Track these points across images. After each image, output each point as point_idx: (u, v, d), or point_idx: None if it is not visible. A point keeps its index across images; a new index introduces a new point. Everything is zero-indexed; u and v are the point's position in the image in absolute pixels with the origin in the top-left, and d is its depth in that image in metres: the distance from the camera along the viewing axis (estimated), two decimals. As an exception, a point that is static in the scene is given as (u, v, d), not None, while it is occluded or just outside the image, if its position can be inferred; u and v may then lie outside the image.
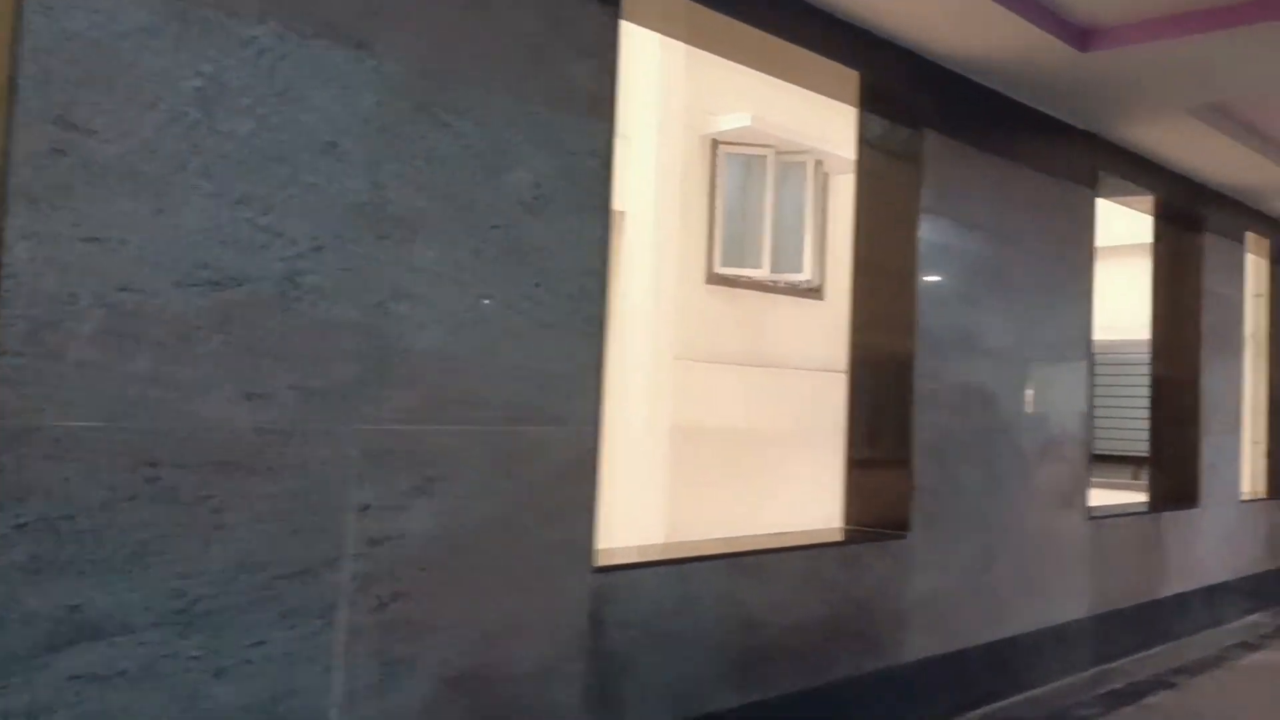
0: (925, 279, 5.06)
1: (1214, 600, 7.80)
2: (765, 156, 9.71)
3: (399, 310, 2.94)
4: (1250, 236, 8.42)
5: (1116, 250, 8.80)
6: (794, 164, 9.95)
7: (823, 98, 5.24)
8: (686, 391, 9.03)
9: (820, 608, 4.43)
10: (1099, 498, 7.53)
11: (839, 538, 4.83)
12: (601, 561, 3.51)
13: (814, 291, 10.16)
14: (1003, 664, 5.58)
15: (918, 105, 5.04)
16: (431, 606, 3.05)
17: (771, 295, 10.08)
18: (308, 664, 2.84)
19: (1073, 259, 6.17)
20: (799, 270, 10.21)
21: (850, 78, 4.81)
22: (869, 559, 4.73)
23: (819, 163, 9.93)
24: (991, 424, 5.54)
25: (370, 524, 2.91)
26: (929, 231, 5.08)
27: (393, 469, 2.94)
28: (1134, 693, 6.00)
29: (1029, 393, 5.86)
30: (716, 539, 4.22)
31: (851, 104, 5.05)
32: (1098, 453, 12.00)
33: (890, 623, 4.83)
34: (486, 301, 3.13)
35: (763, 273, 9.96)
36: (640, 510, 8.56)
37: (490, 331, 3.15)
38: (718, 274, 9.69)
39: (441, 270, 3.03)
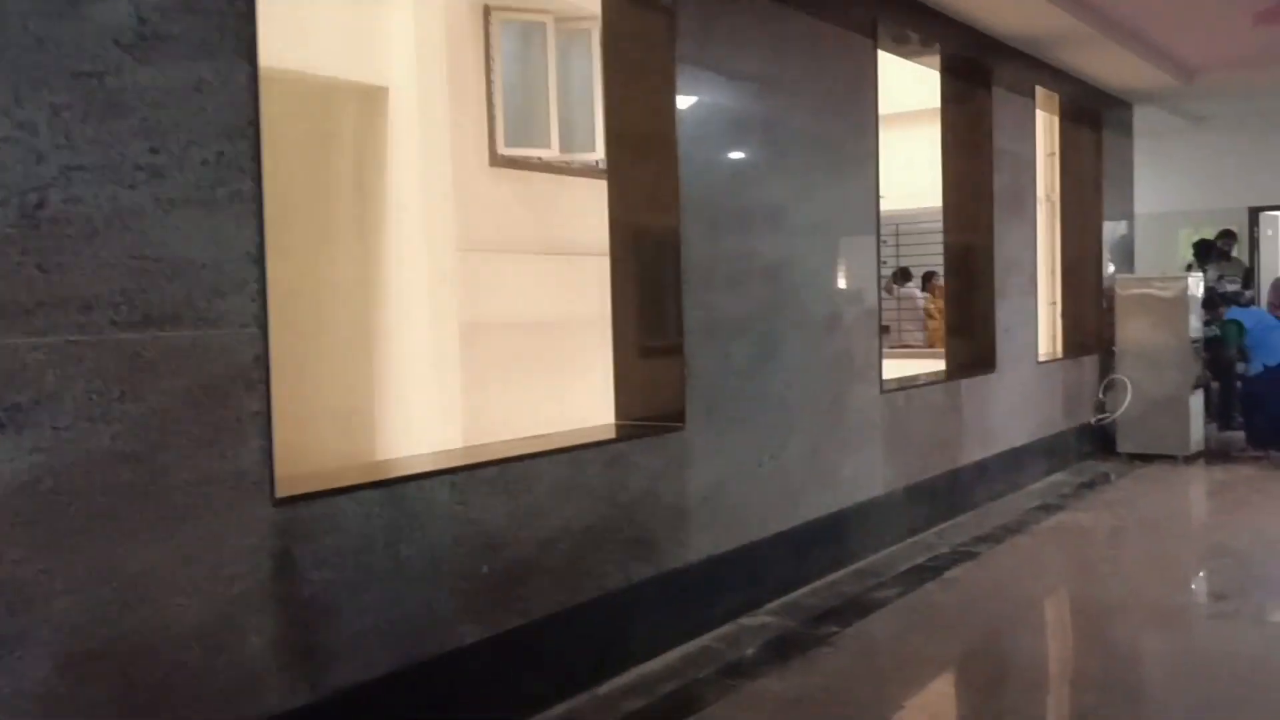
0: (687, 142, 4.50)
1: (1015, 464, 7.73)
2: (545, 24, 8.93)
3: (-67, 188, 2.20)
4: (1041, 93, 8.19)
5: (916, 116, 8.46)
6: (577, 32, 9.20)
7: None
8: (474, 285, 8.36)
9: (583, 516, 3.93)
10: (902, 369, 7.31)
11: (609, 435, 4.33)
12: (285, 491, 2.89)
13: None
14: (798, 552, 5.25)
15: (669, -61, 4.42)
16: (36, 568, 2.38)
17: (563, 177, 9.42)
18: None
19: (855, 116, 5.72)
20: (592, 149, 9.57)
21: (587, -94, 4.14)
22: (639, 456, 4.25)
23: (605, 31, 9.22)
24: (773, 300, 5.09)
25: (-76, 473, 2.21)
26: (689, 87, 4.52)
27: (-50, 399, 2.23)
28: (935, 567, 5.80)
29: (813, 263, 5.45)
30: (446, 451, 3.66)
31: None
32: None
33: (668, 524, 4.39)
34: (78, 173, 2.41)
35: (552, 153, 9.29)
36: (431, 415, 7.95)
37: (88, 212, 2.43)
38: (502, 156, 8.96)
39: (2, 133, 2.29)
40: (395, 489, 3.19)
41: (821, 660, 4.34)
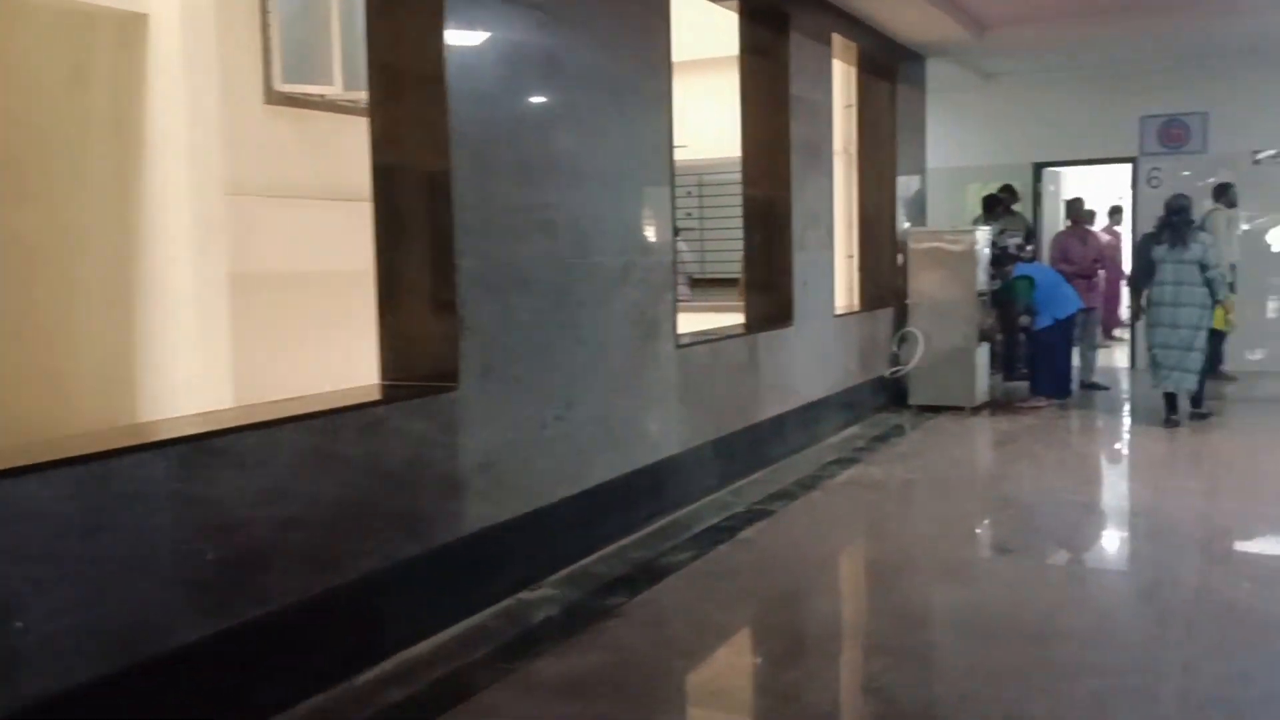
0: (459, 75, 4.09)
1: (812, 418, 7.69)
2: (325, -51, 8.27)
3: None
4: (839, 43, 8.09)
5: (720, 63, 8.22)
6: (363, -39, 8.57)
7: None
8: (247, 233, 7.69)
9: (335, 490, 3.52)
10: (708, 322, 7.13)
11: (368, 398, 3.91)
12: (-55, 474, 2.39)
13: (397, 113, 8.96)
14: (587, 518, 4.97)
15: None
16: None
17: (348, 117, 8.80)
18: None
19: (646, 55, 5.42)
20: (380, 89, 8.97)
21: None
22: (403, 421, 3.86)
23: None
24: (560, 250, 4.76)
25: None
26: (460, 15, 4.10)
27: None
28: (730, 527, 5.65)
29: (603, 211, 5.13)
30: (169, 419, 3.20)
31: None
32: (709, 277, 11.86)
33: (439, 494, 4.02)
34: None
35: (336, 90, 8.65)
36: (198, 375, 7.30)
37: None
38: (280, 92, 8.28)
39: None
40: (96, 467, 2.72)
41: (606, 634, 4.09)
